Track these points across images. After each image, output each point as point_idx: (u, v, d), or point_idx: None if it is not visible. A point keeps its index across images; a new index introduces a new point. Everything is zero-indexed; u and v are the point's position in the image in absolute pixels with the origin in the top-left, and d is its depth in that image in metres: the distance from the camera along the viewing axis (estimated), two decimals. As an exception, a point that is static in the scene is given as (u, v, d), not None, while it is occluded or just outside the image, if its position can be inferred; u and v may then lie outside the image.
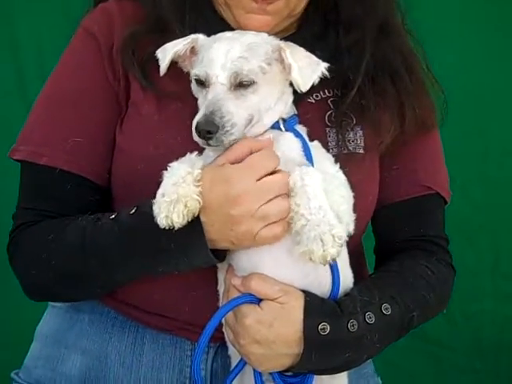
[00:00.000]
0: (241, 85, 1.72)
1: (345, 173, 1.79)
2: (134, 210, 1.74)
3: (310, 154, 1.75)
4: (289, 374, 1.74)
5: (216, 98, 1.71)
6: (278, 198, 1.67)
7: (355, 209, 1.77)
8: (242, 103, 1.72)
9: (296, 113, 1.84)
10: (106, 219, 1.78)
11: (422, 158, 2.05)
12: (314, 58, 1.78)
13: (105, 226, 1.77)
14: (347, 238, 1.66)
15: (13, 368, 2.10)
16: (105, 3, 2.01)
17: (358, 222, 1.78)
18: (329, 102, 1.96)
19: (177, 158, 1.73)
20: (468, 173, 3.31)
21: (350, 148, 1.93)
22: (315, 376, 1.75)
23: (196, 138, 1.70)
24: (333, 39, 1.98)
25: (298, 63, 1.73)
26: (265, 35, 1.80)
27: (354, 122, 1.94)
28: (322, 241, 1.60)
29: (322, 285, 1.73)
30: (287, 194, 1.68)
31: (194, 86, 1.79)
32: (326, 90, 1.97)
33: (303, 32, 2.00)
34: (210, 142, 1.69)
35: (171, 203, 1.61)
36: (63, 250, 1.81)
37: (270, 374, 1.74)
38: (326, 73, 1.77)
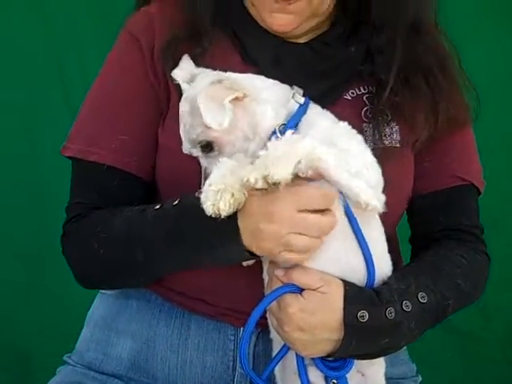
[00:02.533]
0: (207, 151, 1.75)
1: (381, 166, 1.79)
2: (177, 201, 1.79)
3: None
4: (330, 359, 1.79)
5: (204, 168, 1.78)
6: (310, 237, 1.66)
7: (391, 200, 1.78)
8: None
9: (301, 103, 1.80)
10: (151, 210, 1.84)
11: (454, 151, 2.08)
12: (221, 93, 1.69)
13: (149, 217, 1.83)
14: (279, 181, 1.59)
15: (63, 353, 2.18)
16: (147, 6, 2.07)
17: (392, 213, 1.80)
18: (364, 98, 2.00)
19: None
20: (497, 162, 3.28)
21: (386, 142, 1.97)
22: (355, 361, 1.80)
23: None
24: (365, 37, 2.01)
25: (205, 108, 1.68)
26: (206, 81, 1.75)
27: (390, 117, 1.98)
28: (254, 168, 1.60)
29: (357, 272, 1.76)
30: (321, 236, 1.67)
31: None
32: (361, 87, 2.02)
33: (336, 29, 2.04)
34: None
35: (218, 192, 1.63)
36: (110, 240, 1.88)
37: (312, 359, 1.79)
38: (233, 98, 1.71)
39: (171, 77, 1.91)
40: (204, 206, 1.65)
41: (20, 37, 3.42)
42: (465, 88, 2.09)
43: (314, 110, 1.84)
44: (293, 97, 1.82)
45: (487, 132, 2.94)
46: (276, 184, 1.61)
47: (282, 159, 1.61)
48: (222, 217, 1.64)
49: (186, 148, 1.81)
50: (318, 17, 1.98)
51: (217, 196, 1.63)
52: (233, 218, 1.68)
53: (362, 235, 1.73)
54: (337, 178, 1.68)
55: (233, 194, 1.63)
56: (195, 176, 1.81)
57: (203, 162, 1.80)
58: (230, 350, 1.99)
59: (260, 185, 1.60)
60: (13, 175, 3.49)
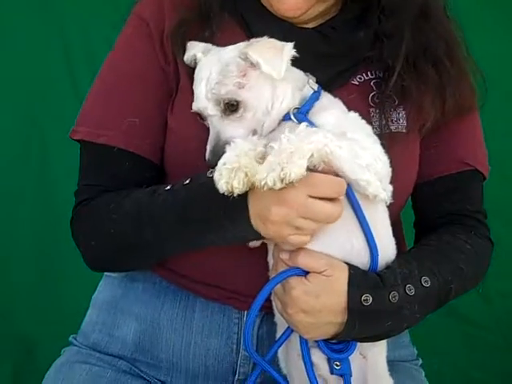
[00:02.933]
0: (230, 108, 1.77)
1: (387, 151, 1.81)
2: (188, 181, 1.80)
3: None
4: (333, 341, 1.81)
5: (214, 129, 1.78)
6: (318, 223, 1.69)
7: (397, 185, 1.81)
8: (239, 123, 1.78)
9: (315, 89, 1.86)
10: (162, 190, 1.85)
11: (460, 137, 2.09)
12: (277, 44, 1.79)
13: (160, 197, 1.84)
14: (295, 179, 1.61)
15: (69, 333, 2.20)
16: None
17: (397, 198, 1.82)
18: (371, 83, 2.01)
19: None
20: (505, 153, 3.29)
21: (392, 128, 1.98)
22: (357, 343, 1.82)
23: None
24: (374, 22, 2.01)
25: (263, 57, 1.75)
26: (241, 45, 1.82)
27: (397, 102, 1.99)
28: (270, 166, 1.62)
29: (361, 256, 1.78)
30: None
31: (199, 120, 1.85)
32: (368, 73, 2.02)
33: (344, 14, 2.04)
34: None
35: (232, 170, 1.64)
36: (120, 220, 1.89)
37: (316, 341, 1.81)
38: (295, 54, 1.79)
39: (181, 59, 1.93)
40: (218, 184, 1.66)
41: (26, 24, 3.44)
42: (472, 74, 2.09)
43: (326, 97, 1.87)
44: (307, 82, 1.87)
45: (493, 118, 2.95)
46: (292, 182, 1.63)
47: (296, 155, 1.63)
48: (235, 195, 1.65)
49: (201, 105, 1.80)
50: (326, 2, 1.99)
51: (231, 174, 1.64)
52: (243, 198, 1.69)
53: (366, 220, 1.75)
54: (347, 173, 1.71)
55: (246, 174, 1.65)
56: (202, 159, 1.82)
57: (216, 124, 1.80)
58: (234, 332, 2.01)
59: (278, 186, 1.62)
60: (20, 165, 3.50)
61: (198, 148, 1.85)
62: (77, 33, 3.47)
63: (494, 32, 3.44)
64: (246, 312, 1.98)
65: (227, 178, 1.64)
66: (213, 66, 1.79)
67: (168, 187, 1.84)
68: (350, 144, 1.71)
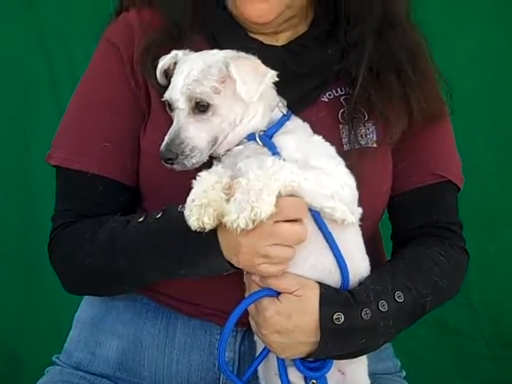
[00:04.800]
0: (199, 108, 1.77)
1: (358, 166, 1.84)
2: (159, 215, 1.83)
3: None
4: (309, 359, 1.81)
5: (177, 124, 1.79)
6: (286, 247, 1.71)
7: (371, 199, 1.84)
8: (204, 126, 1.78)
9: (285, 113, 1.87)
10: (135, 222, 1.87)
11: (431, 148, 2.09)
12: (262, 68, 1.80)
13: (133, 229, 1.86)
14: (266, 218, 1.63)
15: (52, 354, 2.20)
16: (126, 13, 2.09)
17: (372, 211, 1.85)
18: (341, 99, 2.02)
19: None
20: (485, 163, 3.27)
21: (362, 143, 1.98)
22: (334, 360, 1.82)
23: (163, 163, 1.78)
24: (343, 36, 2.02)
25: (242, 76, 1.75)
26: (231, 53, 1.83)
27: (366, 117, 1.99)
28: (240, 205, 1.63)
29: (332, 274, 1.79)
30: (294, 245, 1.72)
31: (167, 109, 1.86)
32: (338, 89, 2.03)
33: (314, 31, 2.05)
34: (174, 166, 1.78)
35: (202, 206, 1.67)
36: (96, 251, 1.91)
37: (292, 360, 1.82)
38: (271, 84, 1.81)
39: (150, 81, 1.95)
40: (189, 222, 1.68)
41: (9, 42, 3.42)
42: (437, 82, 2.09)
43: (294, 122, 1.88)
44: (277, 105, 1.88)
45: (477, 133, 2.94)
46: (262, 220, 1.65)
47: (265, 193, 1.64)
48: (207, 230, 1.68)
49: (174, 97, 1.79)
50: (294, 9, 1.99)
51: (201, 210, 1.67)
52: (213, 233, 1.72)
53: (334, 240, 1.77)
54: (313, 203, 1.73)
55: (215, 208, 1.67)
56: (177, 180, 1.82)
57: (181, 119, 1.79)
58: (216, 348, 2.01)
59: (250, 227, 1.64)
60: (2, 181, 3.50)
61: (171, 169, 1.86)
62: (59, 48, 3.47)
63: (461, 40, 3.43)
64: (225, 326, 1.99)
65: (197, 214, 1.66)
66: (195, 64, 1.80)
67: (141, 218, 1.87)
68: (316, 174, 1.73)
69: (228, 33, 2.01)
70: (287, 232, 1.70)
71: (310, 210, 1.74)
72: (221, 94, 1.78)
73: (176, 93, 1.80)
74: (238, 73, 1.75)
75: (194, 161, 1.78)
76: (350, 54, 2.00)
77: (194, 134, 1.78)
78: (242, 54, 1.83)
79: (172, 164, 1.78)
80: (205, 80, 1.77)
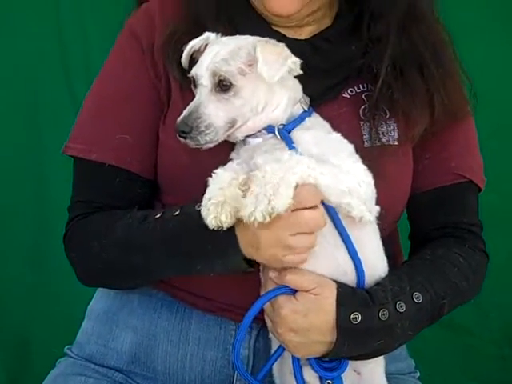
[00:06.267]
0: (222, 87, 1.77)
1: (378, 164, 1.83)
2: (177, 212, 1.81)
3: None
4: (325, 359, 1.80)
5: (198, 99, 1.78)
6: (307, 234, 1.70)
7: (390, 197, 1.82)
8: (224, 106, 1.77)
9: (306, 109, 1.86)
10: (152, 218, 1.86)
11: (453, 147, 2.06)
12: (286, 52, 1.79)
13: (150, 225, 1.85)
14: (275, 213, 1.62)
15: (64, 345, 2.20)
16: (148, 3, 2.08)
17: (392, 210, 1.83)
18: (363, 96, 2.00)
19: (217, 152, 1.81)
20: (499, 163, 3.18)
21: (384, 140, 1.96)
22: (350, 361, 1.81)
23: (177, 137, 1.78)
24: (366, 30, 2.00)
25: (265, 57, 1.74)
26: (259, 39, 1.82)
27: (388, 115, 1.97)
28: (257, 199, 1.63)
29: (347, 274, 1.78)
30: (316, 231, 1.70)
31: (192, 86, 1.85)
32: (360, 85, 2.01)
33: (338, 25, 2.03)
34: (187, 141, 1.77)
35: (218, 205, 1.66)
36: (112, 245, 1.91)
37: (308, 359, 1.81)
38: (294, 67, 1.79)
39: (172, 70, 1.94)
40: (206, 220, 1.68)
41: (25, 35, 3.41)
42: (460, 80, 2.06)
43: (314, 119, 1.87)
44: (299, 101, 1.87)
45: (491, 133, 2.91)
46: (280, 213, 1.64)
47: (282, 186, 1.63)
48: (224, 228, 1.67)
49: (199, 72, 1.79)
50: (318, 1, 1.97)
51: (218, 208, 1.66)
52: (231, 230, 1.71)
53: (348, 237, 1.75)
54: (330, 198, 1.72)
55: (232, 206, 1.66)
56: (196, 173, 1.82)
57: (203, 95, 1.79)
58: (230, 344, 2.00)
59: (268, 220, 1.63)
60: (17, 173, 3.49)
61: (189, 161, 1.87)
62: (75, 42, 3.45)
63: (486, 40, 3.38)
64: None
65: (215, 213, 1.66)
66: (226, 46, 1.80)
67: (158, 215, 1.86)
68: (332, 169, 1.71)
69: (250, 25, 1.99)
70: (307, 219, 1.68)
71: (326, 206, 1.73)
72: (246, 76, 1.78)
73: (202, 69, 1.79)
74: (262, 53, 1.75)
75: (208, 138, 1.77)
76: (372, 50, 1.98)
77: (212, 111, 1.77)
78: (273, 40, 1.83)
79: (185, 138, 1.77)
80: (232, 60, 1.77)
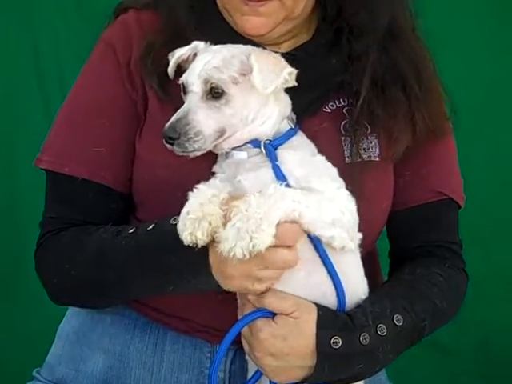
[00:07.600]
0: (213, 94, 1.73)
1: (359, 180, 1.81)
2: (151, 227, 1.77)
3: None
4: (304, 384, 1.76)
5: (187, 106, 1.74)
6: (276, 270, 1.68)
7: (370, 215, 1.79)
8: (214, 114, 1.74)
9: (292, 127, 1.83)
10: (125, 233, 1.81)
11: (433, 164, 2.05)
12: (282, 63, 1.76)
13: (123, 240, 1.81)
14: (260, 249, 1.60)
15: (33, 365, 2.15)
16: (124, 15, 2.04)
17: (371, 227, 1.80)
18: (344, 111, 1.97)
19: (196, 168, 1.78)
20: (480, 179, 3.27)
21: (364, 156, 1.94)
22: (329, 385, 1.77)
23: (164, 142, 1.74)
24: (347, 46, 1.97)
25: (260, 65, 1.72)
26: (253, 48, 1.80)
27: (369, 130, 1.95)
28: (238, 234, 1.59)
29: (327, 295, 1.76)
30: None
31: (181, 93, 1.81)
32: (341, 99, 1.98)
33: (318, 39, 2.00)
34: (174, 147, 1.73)
35: (196, 220, 1.62)
36: (84, 261, 1.86)
37: (286, 384, 1.76)
38: (289, 78, 1.76)
39: (149, 82, 1.90)
40: (182, 236, 1.64)
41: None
42: (441, 97, 2.05)
43: (300, 137, 1.84)
44: (287, 117, 1.84)
45: (472, 148, 2.93)
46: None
47: (265, 223, 1.60)
48: (199, 246, 1.63)
49: (190, 79, 1.76)
50: (294, 20, 1.94)
51: (195, 224, 1.62)
52: (205, 249, 1.67)
53: (331, 262, 1.73)
54: (313, 231, 1.70)
55: (210, 223, 1.63)
56: (173, 188, 1.78)
57: (192, 102, 1.75)
58: (206, 367, 1.96)
59: (247, 257, 1.59)
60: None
61: (167, 175, 1.83)
62: (49, 53, 3.45)
63: (464, 54, 3.44)
64: (218, 346, 1.91)
65: (191, 228, 1.62)
66: (218, 53, 1.77)
67: (132, 230, 1.81)
68: (317, 200, 1.69)
69: (229, 36, 1.93)
70: (279, 257, 1.66)
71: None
72: (238, 85, 1.74)
73: (193, 76, 1.75)
74: (257, 61, 1.72)
75: (196, 146, 1.73)
76: (352, 67, 1.95)
77: (201, 118, 1.73)
78: (267, 50, 1.81)
79: (172, 145, 1.72)
80: (225, 68, 1.73)
